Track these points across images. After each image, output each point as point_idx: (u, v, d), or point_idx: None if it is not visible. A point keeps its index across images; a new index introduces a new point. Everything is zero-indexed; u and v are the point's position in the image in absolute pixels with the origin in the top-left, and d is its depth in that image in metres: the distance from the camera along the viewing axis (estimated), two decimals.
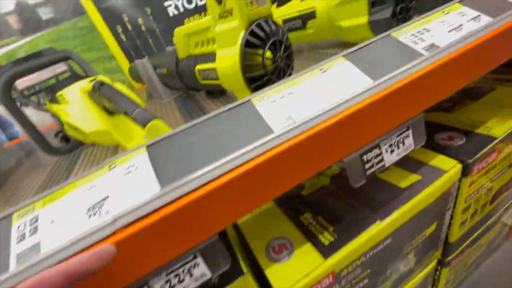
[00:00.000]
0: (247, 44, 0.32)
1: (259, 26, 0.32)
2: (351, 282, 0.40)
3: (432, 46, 0.34)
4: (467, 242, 0.60)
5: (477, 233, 0.61)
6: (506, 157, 0.49)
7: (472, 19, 0.37)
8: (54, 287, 0.13)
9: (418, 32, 0.36)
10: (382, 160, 0.32)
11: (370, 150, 0.31)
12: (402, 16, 0.39)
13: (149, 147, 0.28)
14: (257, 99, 0.31)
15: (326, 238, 0.39)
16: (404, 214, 0.40)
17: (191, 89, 0.51)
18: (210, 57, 0.38)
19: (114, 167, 0.25)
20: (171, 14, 0.81)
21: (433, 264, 0.58)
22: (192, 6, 0.82)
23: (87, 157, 0.43)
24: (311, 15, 0.47)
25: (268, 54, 0.32)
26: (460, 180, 0.45)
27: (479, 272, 0.76)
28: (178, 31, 0.42)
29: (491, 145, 0.44)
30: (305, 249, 0.39)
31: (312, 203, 0.47)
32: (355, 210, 0.43)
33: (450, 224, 0.52)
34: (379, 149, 0.32)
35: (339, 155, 0.30)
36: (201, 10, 0.82)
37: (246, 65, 0.32)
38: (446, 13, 0.38)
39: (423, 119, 0.34)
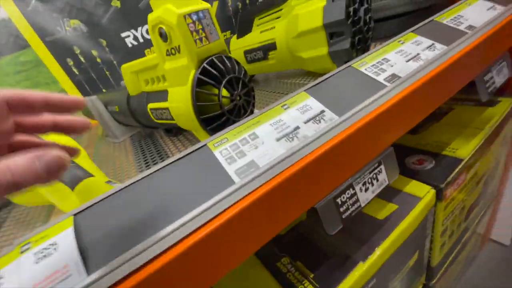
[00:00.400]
0: (200, 83, 0.28)
1: (211, 63, 0.29)
2: None
3: (393, 76, 0.33)
4: (447, 262, 0.59)
5: (456, 251, 0.60)
6: (473, 176, 0.50)
7: (427, 47, 0.37)
8: None
9: (378, 62, 0.35)
10: (357, 200, 0.29)
11: (343, 191, 0.29)
12: (361, 46, 0.39)
13: (77, 215, 0.22)
14: (214, 144, 0.27)
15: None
16: (386, 250, 0.37)
17: (148, 127, 0.46)
18: (162, 95, 0.34)
19: (27, 249, 0.19)
20: (129, 45, 0.77)
21: None
22: None
23: (16, 219, 0.36)
24: (271, 46, 0.46)
25: (225, 92, 0.29)
26: (435, 205, 0.44)
27: (459, 284, 0.76)
28: (126, 68, 0.38)
29: (459, 167, 0.44)
30: None
31: (289, 244, 0.43)
32: (335, 250, 0.39)
33: (430, 249, 0.51)
34: (353, 189, 0.29)
35: (310, 201, 0.27)
36: None
37: (201, 106, 0.28)
38: (403, 43, 0.38)
39: (393, 152, 0.32)
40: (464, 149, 0.46)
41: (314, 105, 0.31)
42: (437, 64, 0.34)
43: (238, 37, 0.53)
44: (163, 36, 0.28)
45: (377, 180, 0.31)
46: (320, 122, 0.29)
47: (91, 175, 0.26)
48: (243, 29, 0.51)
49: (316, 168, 0.26)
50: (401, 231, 0.39)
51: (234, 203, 0.23)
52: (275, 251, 0.42)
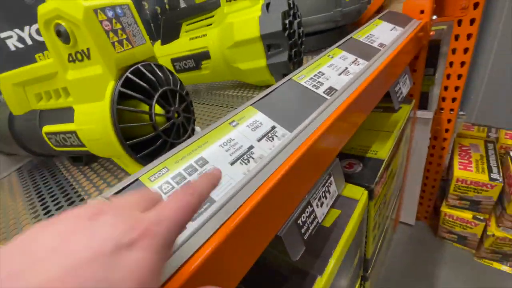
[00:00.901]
0: (122, 98, 0.22)
1: (137, 72, 0.22)
2: None
3: (331, 89, 0.34)
4: (376, 251, 0.66)
5: (381, 240, 0.69)
6: (390, 172, 0.57)
7: (352, 62, 0.40)
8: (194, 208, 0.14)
9: (315, 75, 0.36)
10: (315, 217, 0.28)
11: (303, 211, 0.27)
12: (296, 59, 0.39)
13: None
14: (149, 177, 0.21)
15: None
16: (338, 258, 0.37)
17: (42, 155, 0.34)
18: (65, 114, 0.25)
19: None
20: (12, 48, 0.58)
21: (358, 283, 0.60)
22: None
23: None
24: (204, 55, 0.42)
25: (158, 109, 0.23)
26: (368, 204, 0.48)
27: (385, 269, 0.87)
28: (5, 78, 0.27)
29: (382, 167, 0.49)
30: None
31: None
32: (292, 269, 0.37)
33: (365, 243, 0.55)
34: (311, 206, 0.28)
35: (274, 229, 0.24)
36: None
37: (126, 127, 0.22)
38: (332, 57, 0.40)
39: (339, 162, 0.33)
40: (382, 150, 0.53)
41: (263, 120, 0.28)
42: (364, 78, 0.37)
43: (162, 43, 0.46)
44: (63, 36, 0.20)
45: (329, 192, 0.31)
46: (273, 139, 0.27)
47: None
48: (169, 34, 0.45)
49: (278, 191, 0.23)
50: (348, 235, 0.40)
51: (187, 260, 0.17)
52: None
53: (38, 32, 0.62)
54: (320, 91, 0.33)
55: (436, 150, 0.82)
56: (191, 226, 0.19)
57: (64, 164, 0.37)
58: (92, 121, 0.23)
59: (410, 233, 0.95)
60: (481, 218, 0.81)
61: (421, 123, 0.77)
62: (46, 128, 0.27)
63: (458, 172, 0.78)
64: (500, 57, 0.62)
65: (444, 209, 0.85)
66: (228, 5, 0.38)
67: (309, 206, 0.28)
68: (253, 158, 0.24)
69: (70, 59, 0.22)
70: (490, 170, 0.76)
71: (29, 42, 0.62)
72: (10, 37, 0.59)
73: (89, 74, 0.21)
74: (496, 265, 0.82)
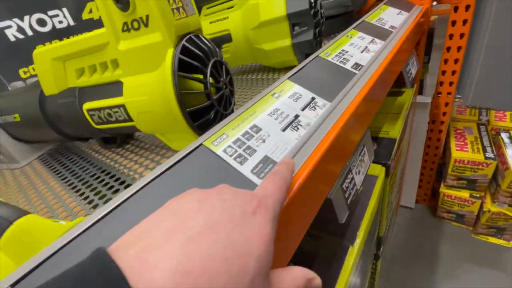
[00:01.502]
0: (179, 67, 0.22)
1: (191, 41, 0.23)
2: None
3: (357, 65, 0.35)
4: (387, 231, 0.68)
5: (390, 220, 0.71)
6: (400, 152, 0.60)
7: (370, 42, 0.42)
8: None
9: (340, 53, 0.37)
10: (355, 184, 0.29)
11: (346, 177, 0.28)
12: (319, 39, 0.40)
13: None
14: (212, 142, 0.22)
15: None
16: (365, 231, 0.39)
17: (72, 138, 0.34)
18: (111, 89, 0.25)
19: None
20: (12, 39, 0.56)
21: (372, 261, 0.62)
22: (47, 29, 0.60)
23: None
24: (226, 38, 0.42)
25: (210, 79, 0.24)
26: (384, 181, 0.50)
27: (389, 250, 0.91)
28: (42, 53, 0.26)
29: (395, 145, 0.51)
30: None
31: None
32: (322, 241, 0.38)
33: (379, 221, 0.57)
34: (351, 173, 0.29)
35: (325, 192, 0.25)
36: (62, 34, 0.61)
37: (185, 96, 0.22)
38: (350, 37, 0.41)
39: (370, 134, 0.34)
40: (394, 130, 0.55)
41: (302, 92, 0.29)
42: (384, 55, 0.38)
43: None
44: (122, 1, 0.20)
45: (364, 162, 0.32)
46: (315, 108, 0.28)
47: (25, 212, 0.16)
48: None
49: (328, 156, 0.24)
50: (372, 208, 0.42)
51: None
52: None
53: (38, 22, 0.60)
54: (348, 66, 0.35)
55: (434, 134, 0.86)
56: (259, 183, 0.19)
57: (93, 148, 0.36)
58: (146, 92, 0.23)
59: (411, 216, 0.99)
60: (477, 196, 0.85)
61: (420, 107, 0.80)
62: (88, 105, 0.26)
63: (455, 153, 0.82)
64: (494, 41, 0.66)
65: (443, 189, 0.90)
66: None
67: (350, 173, 0.29)
68: (301, 126, 0.25)
69: (125, 28, 0.22)
70: (484, 150, 0.81)
71: (30, 32, 0.60)
72: (10, 27, 0.57)
73: (145, 43, 0.21)
74: (491, 239, 0.87)
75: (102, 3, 0.21)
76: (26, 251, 0.15)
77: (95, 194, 0.26)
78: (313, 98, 0.29)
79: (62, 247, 0.14)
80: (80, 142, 0.37)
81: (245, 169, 0.20)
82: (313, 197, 0.22)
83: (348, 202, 0.28)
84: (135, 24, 0.21)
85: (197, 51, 0.23)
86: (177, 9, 0.21)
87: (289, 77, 0.30)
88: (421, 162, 0.90)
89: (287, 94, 0.28)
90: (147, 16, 0.21)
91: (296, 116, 0.26)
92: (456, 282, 0.80)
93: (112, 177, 0.28)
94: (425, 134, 0.84)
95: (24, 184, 0.32)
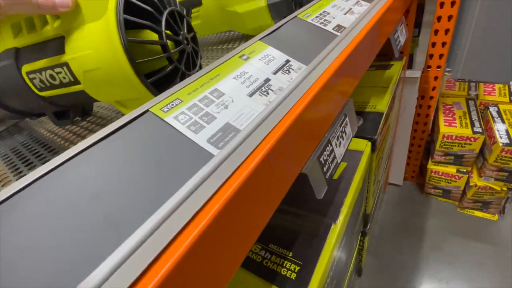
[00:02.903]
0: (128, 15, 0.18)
1: None
2: None
3: (339, 26, 0.32)
4: (374, 207, 0.68)
5: (376, 197, 0.71)
6: (388, 127, 0.57)
7: (355, 3, 0.38)
8: None
9: (321, 14, 0.33)
10: (335, 157, 0.27)
11: (324, 149, 0.25)
12: (298, 0, 0.36)
13: None
14: (161, 108, 0.18)
15: (290, 269, 0.31)
16: (348, 208, 0.37)
17: (19, 115, 0.30)
18: (51, 46, 0.21)
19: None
20: None
21: (359, 238, 0.62)
22: None
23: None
24: (194, 2, 0.37)
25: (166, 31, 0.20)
26: (371, 156, 0.48)
27: (378, 227, 0.91)
28: None
29: (382, 120, 0.49)
30: None
31: None
32: (303, 219, 0.37)
33: (366, 198, 0.56)
34: (330, 145, 0.26)
35: (299, 164, 0.23)
36: None
37: (134, 48, 0.18)
38: None
39: (353, 103, 0.31)
40: (381, 104, 0.53)
41: (276, 54, 0.26)
42: (369, 17, 0.35)
43: None
44: None
45: (345, 133, 0.30)
46: (289, 72, 0.24)
47: None
48: None
49: (302, 123, 0.21)
50: (356, 184, 0.40)
51: (222, 184, 0.15)
52: None
53: None
54: (329, 28, 0.31)
55: (423, 109, 0.84)
56: (219, 154, 0.16)
57: (46, 126, 0.32)
58: (90, 45, 0.19)
59: (399, 193, 0.99)
60: (464, 171, 0.85)
61: (409, 82, 0.78)
62: (28, 67, 0.22)
63: (444, 129, 0.81)
64: (485, 10, 0.62)
65: (430, 166, 0.89)
66: None
67: (329, 145, 0.26)
68: (272, 90, 0.22)
69: None
70: (472, 125, 0.80)
71: None
72: None
73: None
74: (477, 213, 0.89)
75: None
76: None
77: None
78: (287, 61, 0.25)
79: None
80: (33, 120, 0.33)
81: (200, 138, 0.17)
82: (282, 169, 0.20)
83: (327, 177, 0.26)
84: None
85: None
86: None
87: (261, 38, 0.27)
88: (410, 139, 0.89)
89: (257, 56, 0.25)
90: None
91: (267, 80, 0.23)
92: (442, 253, 0.82)
93: (53, 152, 0.24)
94: (414, 110, 0.82)
95: None
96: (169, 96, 0.19)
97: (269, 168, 0.18)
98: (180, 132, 0.17)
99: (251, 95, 0.21)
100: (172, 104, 0.19)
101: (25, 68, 0.22)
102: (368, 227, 0.64)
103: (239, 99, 0.20)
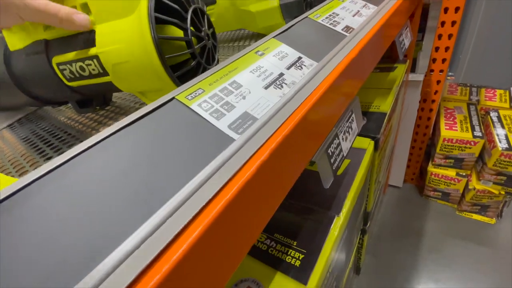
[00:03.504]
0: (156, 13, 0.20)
1: None
2: None
3: (348, 27, 0.34)
4: (374, 206, 0.69)
5: (377, 196, 0.72)
6: (390, 127, 0.59)
7: (363, 6, 0.39)
8: None
9: (330, 15, 0.35)
10: (341, 150, 0.28)
11: (332, 141, 0.27)
12: (308, 1, 0.38)
13: None
14: (186, 96, 0.20)
15: (294, 257, 0.32)
16: (351, 202, 0.39)
17: (43, 103, 0.31)
18: (82, 39, 0.23)
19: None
20: None
21: (358, 236, 0.63)
22: None
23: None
24: (209, 0, 0.39)
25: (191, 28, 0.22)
26: (374, 155, 0.49)
27: (377, 227, 0.93)
28: None
29: (385, 119, 0.50)
30: (277, 284, 0.30)
31: None
32: (308, 211, 0.38)
33: (367, 196, 0.58)
34: (338, 138, 0.28)
35: (309, 154, 0.24)
36: None
37: (164, 44, 0.20)
38: (342, 1, 0.39)
39: (359, 100, 0.33)
40: (384, 105, 0.54)
41: (289, 51, 0.27)
42: (376, 20, 0.37)
43: None
44: None
45: (352, 129, 0.31)
46: (302, 68, 0.26)
47: None
48: None
49: (313, 116, 0.23)
50: (359, 180, 0.41)
51: (241, 167, 0.17)
52: None
53: None
54: (338, 28, 0.33)
55: (425, 112, 0.85)
56: (239, 138, 0.18)
57: (67, 116, 0.34)
58: (121, 39, 0.21)
59: (399, 195, 1.01)
60: (463, 174, 0.87)
61: (412, 85, 0.79)
62: (58, 58, 0.24)
63: (444, 132, 0.82)
64: (488, 16, 0.64)
65: (431, 168, 0.91)
66: None
67: (336, 138, 0.28)
68: (286, 84, 0.24)
69: None
70: (473, 129, 0.81)
71: None
72: None
73: None
74: (475, 216, 0.90)
75: None
76: None
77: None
78: (299, 58, 0.27)
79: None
80: (53, 108, 0.35)
81: (222, 124, 0.19)
82: (294, 156, 0.21)
83: (334, 168, 0.27)
84: None
85: None
86: None
87: (275, 36, 0.28)
88: (411, 142, 0.90)
89: (272, 53, 0.26)
90: None
91: (281, 75, 0.24)
92: (440, 255, 0.83)
93: (76, 138, 0.26)
94: (415, 113, 0.84)
95: None
96: (192, 86, 0.21)
97: (283, 153, 0.19)
98: (204, 118, 0.19)
99: (266, 87, 0.23)
100: (196, 93, 0.20)
101: (56, 60, 0.24)
102: (368, 225, 0.65)
103: (256, 91, 0.22)
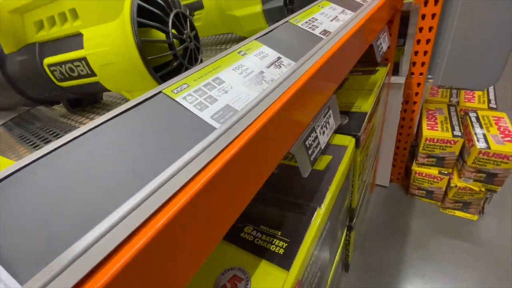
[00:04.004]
0: (139, 17, 0.22)
1: None
2: (310, 283, 0.37)
3: (325, 31, 0.36)
4: (360, 203, 0.72)
5: (363, 193, 0.75)
6: (372, 127, 0.62)
7: (341, 12, 0.42)
8: None
9: (309, 20, 0.38)
10: (318, 143, 0.31)
11: (309, 134, 0.29)
12: (290, 7, 0.41)
13: None
14: (172, 90, 0.22)
15: (278, 246, 0.34)
16: (333, 193, 0.41)
17: (36, 102, 0.33)
18: (71, 41, 0.24)
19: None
20: None
21: (345, 232, 0.65)
22: None
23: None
24: (197, 5, 0.41)
25: (172, 31, 0.24)
26: (355, 151, 0.52)
27: (364, 226, 0.95)
28: (1, 3, 0.25)
29: (366, 118, 0.53)
30: (262, 270, 0.32)
31: (246, 214, 0.41)
32: (291, 204, 0.40)
33: (351, 192, 0.60)
34: (315, 132, 0.30)
35: (287, 145, 0.26)
36: None
37: (146, 46, 0.22)
38: (322, 7, 0.42)
39: (336, 98, 0.35)
40: (365, 105, 0.57)
41: (269, 52, 0.30)
42: (353, 24, 0.40)
43: None
44: None
45: (329, 124, 0.34)
46: (280, 67, 0.28)
47: None
48: None
49: (289, 109, 0.25)
50: (340, 175, 0.44)
51: (221, 151, 0.19)
52: (235, 224, 0.39)
53: None
54: (316, 32, 0.36)
55: (407, 114, 0.89)
56: (221, 127, 0.20)
57: (60, 112, 0.35)
58: (106, 42, 0.23)
59: (385, 194, 1.04)
60: (445, 172, 0.91)
61: (394, 88, 0.83)
62: (49, 60, 0.26)
63: (426, 132, 0.86)
64: (463, 21, 0.68)
65: (415, 168, 0.94)
66: None
67: (313, 132, 0.30)
68: (265, 81, 0.26)
69: None
70: (453, 129, 0.85)
71: None
72: None
73: None
74: (458, 213, 0.94)
75: None
76: None
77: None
78: (279, 58, 0.29)
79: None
80: (45, 107, 0.36)
81: (205, 115, 0.21)
82: (273, 145, 0.23)
83: (312, 159, 0.30)
84: None
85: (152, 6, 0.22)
86: None
87: (256, 38, 0.31)
88: (395, 142, 0.94)
89: (253, 53, 0.28)
90: None
91: (261, 73, 0.27)
92: (425, 251, 0.86)
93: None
94: (398, 115, 0.88)
95: None
96: (178, 81, 0.23)
97: (262, 141, 0.21)
98: (188, 110, 0.21)
99: (247, 84, 0.25)
100: (181, 88, 0.22)
101: (46, 61, 0.26)
102: (354, 221, 0.68)
103: (237, 87, 0.24)
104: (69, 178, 0.15)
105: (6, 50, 0.28)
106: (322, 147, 0.32)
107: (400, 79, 0.81)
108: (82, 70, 0.25)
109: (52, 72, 0.26)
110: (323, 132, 0.32)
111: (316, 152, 0.30)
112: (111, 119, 0.19)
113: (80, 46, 0.24)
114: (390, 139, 0.93)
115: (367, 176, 0.77)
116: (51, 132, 0.31)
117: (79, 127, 0.30)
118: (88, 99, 0.32)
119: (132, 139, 0.18)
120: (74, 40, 0.24)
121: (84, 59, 0.24)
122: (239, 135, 0.20)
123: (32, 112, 0.39)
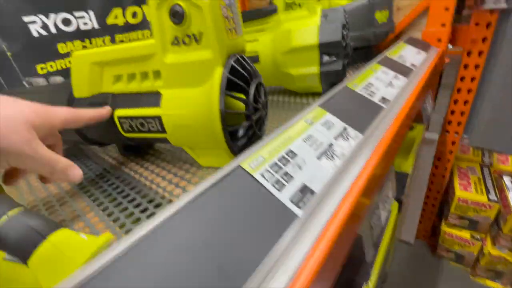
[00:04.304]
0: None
1: (239, 62, 0.23)
2: None
3: (384, 99, 0.36)
4: (384, 262, 0.66)
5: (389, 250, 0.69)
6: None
7: (394, 77, 0.42)
8: None
9: (366, 85, 0.37)
10: (380, 221, 0.28)
11: (373, 212, 0.27)
12: (345, 70, 0.41)
13: None
14: (249, 163, 0.21)
15: None
16: (379, 268, 0.38)
17: (91, 143, 0.33)
18: (146, 98, 0.24)
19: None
20: (35, 34, 0.56)
21: None
22: (71, 29, 0.60)
23: None
24: (253, 59, 0.42)
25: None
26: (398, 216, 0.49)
27: (387, 285, 0.88)
28: (82, 55, 0.25)
29: (408, 180, 0.51)
30: None
31: None
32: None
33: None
34: (378, 208, 0.28)
35: (356, 228, 0.24)
36: (84, 35, 0.61)
37: (227, 114, 0.22)
38: (374, 71, 0.42)
39: (394, 169, 0.34)
40: (405, 165, 0.55)
41: (334, 121, 0.29)
42: (409, 91, 0.39)
43: None
44: (178, 16, 0.20)
45: (388, 198, 0.32)
46: (348, 139, 0.27)
47: (57, 225, 0.15)
48: None
49: (363, 190, 0.24)
50: (385, 245, 0.40)
51: (312, 246, 0.17)
52: None
53: (64, 21, 0.61)
54: (375, 99, 0.35)
55: (439, 170, 0.86)
56: (302, 215, 0.19)
57: (110, 154, 0.35)
58: (187, 106, 0.22)
59: (411, 251, 0.97)
60: (478, 237, 0.84)
61: (426, 143, 0.81)
62: (120, 112, 0.26)
63: (459, 192, 0.82)
64: (503, 89, 0.68)
65: (444, 227, 0.89)
66: (285, 13, 0.39)
67: (377, 209, 0.28)
68: (336, 155, 0.25)
69: (175, 42, 0.22)
70: (487, 192, 0.81)
71: (53, 30, 0.60)
72: (34, 22, 0.57)
73: (194, 59, 0.21)
74: (489, 283, 0.85)
75: (155, 14, 0.21)
76: (56, 270, 0.13)
77: (115, 206, 0.24)
78: (345, 128, 0.28)
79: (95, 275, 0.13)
80: (97, 147, 0.36)
81: (283, 197, 0.19)
82: (351, 230, 0.22)
83: (374, 240, 0.27)
84: (187, 39, 0.21)
85: (243, 72, 0.22)
86: (230, 30, 0.21)
87: (319, 105, 0.30)
88: (424, 198, 0.89)
89: (319, 121, 0.28)
90: (201, 33, 0.21)
91: (330, 145, 0.26)
92: None
93: (132, 188, 0.26)
94: (429, 170, 0.85)
95: (34, 185, 0.31)
96: (254, 153, 0.22)
97: (345, 232, 0.19)
98: (267, 190, 0.19)
99: (319, 158, 0.24)
100: (257, 161, 0.21)
101: (118, 112, 0.26)
102: (385, 283, 0.62)
103: (310, 161, 0.23)
104: (148, 275, 0.14)
105: (77, 94, 0.28)
106: (383, 225, 0.30)
107: (433, 135, 0.79)
108: (153, 127, 0.25)
109: (121, 123, 0.26)
110: (384, 208, 0.30)
111: (378, 231, 0.28)
112: (193, 201, 0.18)
113: (157, 105, 0.24)
114: (419, 194, 0.89)
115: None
116: (101, 176, 0.30)
117: (134, 176, 0.29)
118: (144, 148, 0.32)
119: (214, 227, 0.16)
120: (151, 98, 0.24)
121: (158, 117, 0.24)
122: (324, 228, 0.18)
123: (82, 148, 0.39)
